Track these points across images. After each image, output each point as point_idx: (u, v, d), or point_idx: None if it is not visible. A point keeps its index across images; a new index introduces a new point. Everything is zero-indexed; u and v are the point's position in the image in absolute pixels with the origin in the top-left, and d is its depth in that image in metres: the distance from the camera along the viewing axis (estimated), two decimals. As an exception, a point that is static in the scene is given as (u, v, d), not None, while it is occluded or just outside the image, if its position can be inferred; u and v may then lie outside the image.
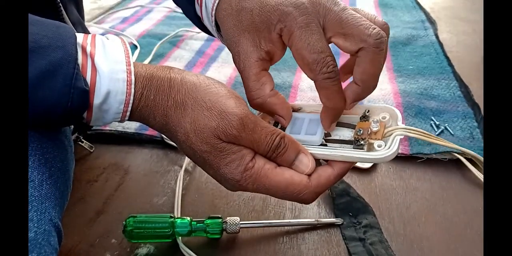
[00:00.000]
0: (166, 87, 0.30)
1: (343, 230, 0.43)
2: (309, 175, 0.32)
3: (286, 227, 0.44)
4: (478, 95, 0.63)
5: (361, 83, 0.31)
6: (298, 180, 0.31)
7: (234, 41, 0.33)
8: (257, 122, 0.30)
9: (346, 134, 0.34)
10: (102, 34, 0.33)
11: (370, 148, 0.32)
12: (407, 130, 0.31)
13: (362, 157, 0.31)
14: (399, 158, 0.52)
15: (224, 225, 0.41)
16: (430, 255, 0.40)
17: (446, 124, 0.57)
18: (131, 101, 0.30)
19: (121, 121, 0.31)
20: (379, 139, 0.31)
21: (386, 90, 0.67)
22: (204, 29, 0.43)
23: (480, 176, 0.49)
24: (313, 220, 0.44)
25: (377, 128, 0.31)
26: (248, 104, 0.33)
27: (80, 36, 0.30)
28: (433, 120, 0.58)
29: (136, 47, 0.83)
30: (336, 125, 0.34)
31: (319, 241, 0.42)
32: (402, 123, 0.32)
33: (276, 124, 0.36)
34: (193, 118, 0.30)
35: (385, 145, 0.31)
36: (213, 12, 0.35)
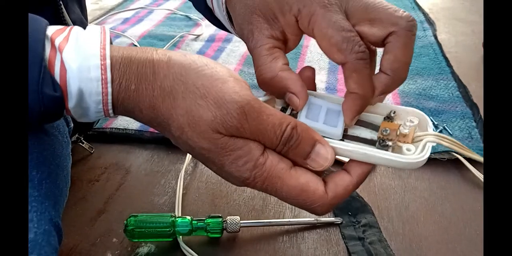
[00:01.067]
0: (149, 74, 0.26)
1: (342, 229, 0.43)
2: (325, 182, 0.28)
3: (286, 226, 0.44)
4: (477, 95, 0.63)
5: (391, 73, 0.28)
6: (313, 189, 0.27)
7: (247, 20, 0.30)
8: (262, 110, 0.26)
9: (365, 134, 0.30)
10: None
11: (395, 151, 0.28)
12: (440, 138, 0.28)
13: (389, 158, 0.26)
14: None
15: (224, 224, 0.41)
16: (429, 254, 0.41)
17: (445, 124, 0.58)
18: (109, 101, 0.26)
19: (107, 117, 0.29)
20: (408, 143, 0.28)
21: (385, 91, 0.67)
22: (216, 22, 0.40)
23: (479, 175, 0.49)
24: (313, 219, 0.44)
25: (407, 131, 0.28)
26: (253, 90, 0.29)
27: (52, 29, 0.26)
28: (431, 120, 0.59)
29: (136, 48, 0.84)
30: (355, 123, 0.30)
31: (319, 240, 0.43)
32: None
33: (284, 110, 0.31)
34: (185, 109, 0.26)
35: (416, 150, 0.27)
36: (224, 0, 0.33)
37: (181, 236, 0.42)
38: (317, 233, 0.43)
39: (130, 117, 0.28)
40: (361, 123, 0.30)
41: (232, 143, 0.26)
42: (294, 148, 0.27)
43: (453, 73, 0.71)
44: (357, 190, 0.48)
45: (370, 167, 0.28)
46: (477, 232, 0.43)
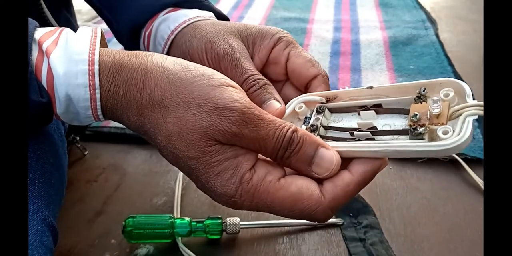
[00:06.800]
0: (139, 80, 0.26)
1: (343, 231, 0.43)
2: (322, 183, 0.26)
3: (286, 228, 0.43)
4: (479, 95, 0.63)
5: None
6: (307, 194, 0.25)
7: (222, 38, 0.35)
8: (263, 116, 0.25)
9: (398, 122, 0.26)
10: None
11: (433, 137, 0.24)
12: (481, 108, 0.23)
13: (423, 150, 0.23)
14: (400, 158, 0.52)
15: (224, 226, 0.41)
16: (430, 255, 0.40)
17: (447, 124, 0.57)
18: (98, 107, 0.26)
19: (98, 121, 0.29)
20: (443, 124, 0.24)
21: (386, 90, 0.66)
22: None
23: (476, 177, 0.49)
24: (313, 220, 0.43)
25: (438, 110, 0.24)
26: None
27: (41, 32, 0.26)
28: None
29: (135, 46, 0.83)
30: (385, 112, 0.27)
31: (319, 241, 0.42)
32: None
33: (308, 119, 0.30)
34: (177, 117, 0.25)
35: (453, 131, 0.23)
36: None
37: (180, 238, 0.41)
38: (317, 235, 0.43)
39: (120, 123, 0.28)
40: (392, 111, 0.27)
41: (222, 151, 0.25)
42: (296, 152, 0.25)
43: (455, 72, 0.70)
44: (358, 191, 0.47)
45: (376, 165, 0.26)
46: (478, 233, 0.42)
